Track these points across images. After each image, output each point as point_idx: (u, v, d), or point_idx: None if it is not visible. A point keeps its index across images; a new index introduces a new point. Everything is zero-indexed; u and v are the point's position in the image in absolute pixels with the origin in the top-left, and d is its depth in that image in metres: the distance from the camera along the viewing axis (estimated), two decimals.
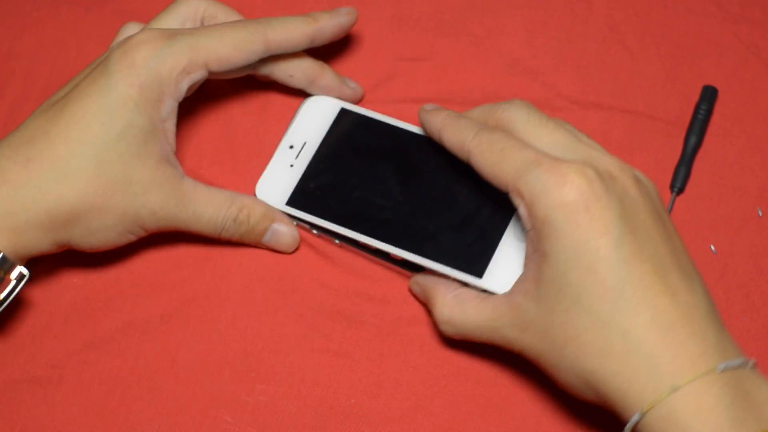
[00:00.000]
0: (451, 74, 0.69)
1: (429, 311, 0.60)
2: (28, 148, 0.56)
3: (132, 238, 0.60)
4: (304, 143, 0.65)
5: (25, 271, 0.56)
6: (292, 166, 0.64)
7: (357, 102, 0.68)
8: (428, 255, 0.60)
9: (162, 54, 0.57)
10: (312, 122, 0.65)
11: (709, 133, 0.67)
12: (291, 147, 0.65)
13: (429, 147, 0.62)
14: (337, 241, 0.63)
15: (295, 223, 0.63)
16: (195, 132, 0.68)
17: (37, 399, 0.60)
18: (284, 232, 0.62)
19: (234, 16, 0.64)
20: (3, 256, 0.55)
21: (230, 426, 0.59)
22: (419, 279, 0.61)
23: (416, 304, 0.62)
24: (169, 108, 0.59)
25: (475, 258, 0.59)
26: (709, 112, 0.67)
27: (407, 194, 0.62)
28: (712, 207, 0.65)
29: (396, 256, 0.61)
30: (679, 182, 0.66)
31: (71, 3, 0.72)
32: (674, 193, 0.65)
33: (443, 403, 0.60)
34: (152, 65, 0.57)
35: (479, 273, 0.58)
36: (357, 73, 0.69)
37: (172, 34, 0.58)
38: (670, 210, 0.65)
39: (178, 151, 0.65)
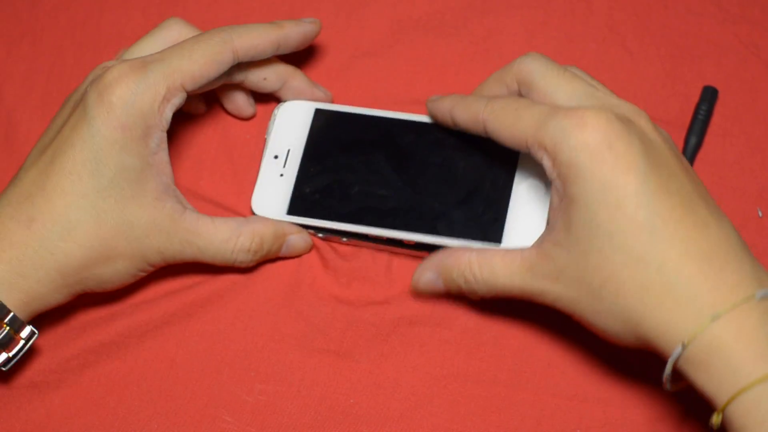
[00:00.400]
0: (451, 74, 0.69)
1: (453, 288, 0.59)
2: (28, 206, 0.56)
3: (144, 274, 0.60)
4: (288, 150, 0.65)
5: (35, 330, 0.57)
6: (282, 175, 0.64)
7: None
8: (442, 233, 0.60)
9: (139, 89, 0.56)
10: (290, 128, 0.65)
11: (709, 133, 0.67)
12: (276, 157, 0.65)
13: (413, 130, 0.63)
14: (344, 239, 0.63)
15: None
16: (193, 144, 0.67)
17: (35, 402, 0.60)
18: (297, 241, 0.62)
19: None
20: (13, 316, 0.55)
21: (229, 425, 0.59)
22: (428, 263, 0.60)
23: (416, 304, 0.62)
24: (157, 140, 0.58)
25: (489, 226, 0.60)
26: (709, 113, 0.67)
27: (406, 179, 0.62)
28: None
29: (409, 241, 0.61)
30: None
31: (69, 10, 0.72)
32: None
33: (442, 404, 0.60)
34: (131, 103, 0.56)
35: (497, 239, 0.59)
36: (357, 73, 0.69)
37: (143, 65, 0.57)
38: None
39: (177, 164, 0.65)
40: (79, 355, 0.61)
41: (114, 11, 0.73)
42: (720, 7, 0.71)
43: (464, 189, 0.61)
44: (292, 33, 0.63)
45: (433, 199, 0.61)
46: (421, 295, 0.62)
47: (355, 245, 0.64)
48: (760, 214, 0.65)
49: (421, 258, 0.61)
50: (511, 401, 0.60)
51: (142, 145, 0.57)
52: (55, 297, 0.57)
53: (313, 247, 0.64)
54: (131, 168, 0.56)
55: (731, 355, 0.47)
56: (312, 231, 0.63)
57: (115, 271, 0.58)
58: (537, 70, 0.56)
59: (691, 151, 0.66)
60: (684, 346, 0.48)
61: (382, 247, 0.63)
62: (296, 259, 0.64)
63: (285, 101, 0.66)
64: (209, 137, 0.68)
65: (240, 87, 0.66)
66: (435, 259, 0.59)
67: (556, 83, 0.56)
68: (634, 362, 0.59)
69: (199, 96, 0.66)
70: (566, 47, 0.70)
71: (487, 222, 0.60)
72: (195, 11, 0.72)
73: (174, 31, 0.63)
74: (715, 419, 0.48)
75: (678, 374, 0.50)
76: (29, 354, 0.61)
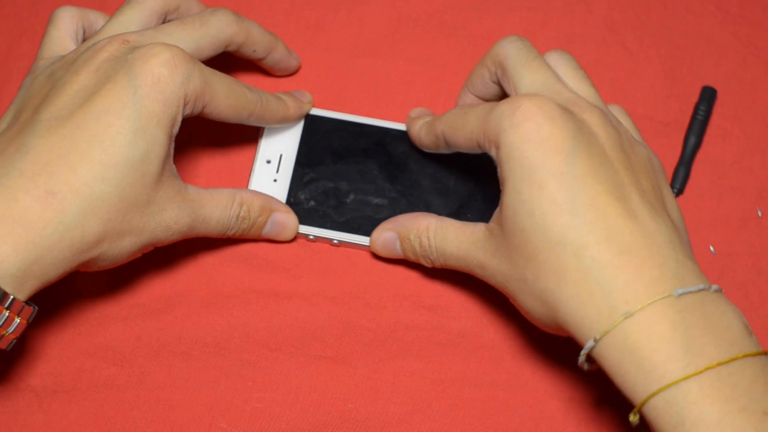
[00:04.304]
0: (450, 75, 0.69)
1: (408, 250, 0.60)
2: (46, 178, 0.52)
3: (138, 255, 0.58)
4: (281, 156, 0.65)
5: (35, 307, 0.53)
6: (275, 180, 0.64)
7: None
8: None
9: (186, 77, 0.55)
10: (282, 133, 0.66)
11: (709, 133, 0.67)
12: (268, 162, 0.65)
13: (405, 140, 0.64)
14: (335, 241, 0.63)
15: None
16: (189, 145, 0.67)
17: (33, 407, 0.60)
18: (283, 221, 0.62)
19: (198, 7, 0.64)
20: (23, 306, 0.52)
21: None
22: (389, 223, 0.61)
23: (412, 308, 0.62)
24: (177, 129, 0.56)
25: None
26: (708, 113, 0.67)
27: (399, 189, 0.64)
28: (711, 207, 0.65)
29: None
30: (679, 183, 0.66)
31: None
32: (674, 194, 0.65)
33: (440, 408, 0.60)
34: (176, 84, 0.55)
35: None
36: (356, 73, 0.69)
37: (194, 60, 0.57)
38: None
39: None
40: (77, 359, 0.61)
41: (114, 9, 0.72)
42: (720, 7, 0.70)
43: (456, 201, 0.63)
44: (294, 116, 0.65)
45: (426, 210, 0.63)
46: (379, 254, 0.62)
47: (345, 247, 0.64)
48: (760, 214, 0.65)
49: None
50: (509, 404, 0.60)
51: (171, 127, 0.55)
52: (60, 272, 0.53)
53: (297, 235, 0.63)
54: (162, 145, 0.54)
55: (643, 356, 0.46)
56: (302, 234, 0.64)
57: (119, 249, 0.55)
58: (510, 56, 0.57)
59: (690, 151, 0.66)
60: (596, 341, 0.48)
61: (368, 250, 0.64)
62: (292, 266, 0.64)
63: None
64: (204, 139, 0.67)
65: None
66: (396, 219, 0.61)
67: (521, 72, 0.56)
68: None
69: None
70: (566, 47, 0.69)
71: None
72: None
73: (216, 18, 0.62)
74: (632, 418, 0.47)
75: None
76: (29, 358, 0.61)
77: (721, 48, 0.69)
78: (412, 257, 0.61)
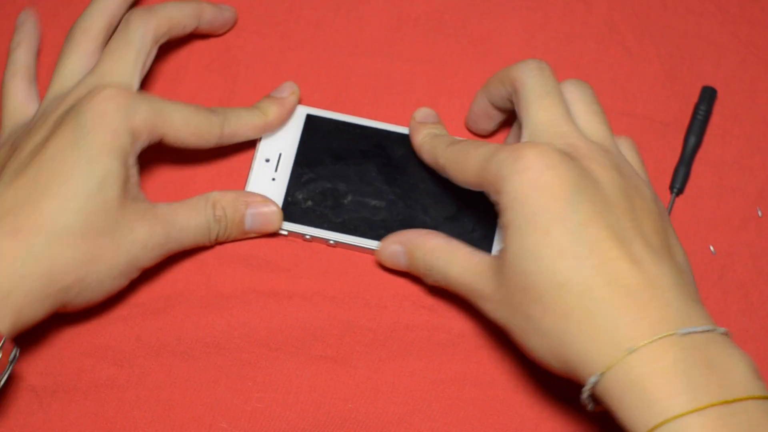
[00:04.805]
0: (450, 75, 0.69)
1: (412, 266, 0.61)
2: (12, 218, 0.55)
3: (124, 282, 0.59)
4: (280, 155, 0.65)
5: (17, 350, 0.55)
6: (274, 179, 0.64)
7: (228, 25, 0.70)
8: None
9: (131, 109, 0.58)
10: (281, 132, 0.66)
11: (709, 133, 0.67)
12: (267, 161, 0.65)
13: (406, 143, 0.64)
14: (331, 242, 0.63)
15: (286, 233, 0.64)
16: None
17: (33, 406, 0.60)
18: (263, 212, 0.63)
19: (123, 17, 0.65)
20: (4, 341, 0.53)
21: None
22: (396, 236, 0.62)
23: (413, 308, 0.62)
24: (133, 158, 0.59)
25: (477, 243, 0.61)
26: (708, 113, 0.67)
27: (398, 192, 0.64)
28: (711, 207, 0.66)
29: None
30: (679, 183, 0.66)
31: (69, 8, 0.72)
32: (674, 194, 0.65)
33: (441, 407, 0.60)
34: (122, 116, 0.57)
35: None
36: (356, 73, 0.69)
37: (139, 94, 0.59)
38: (670, 211, 0.65)
39: (171, 163, 0.66)
40: (77, 359, 0.61)
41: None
42: (720, 7, 0.70)
43: (454, 205, 0.63)
44: (275, 121, 0.65)
45: (424, 213, 0.63)
46: (383, 265, 0.63)
47: (342, 248, 0.64)
48: (760, 214, 0.65)
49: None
50: (509, 404, 0.60)
51: (126, 156, 0.57)
52: (38, 311, 0.55)
53: (281, 225, 0.63)
54: (118, 172, 0.57)
55: (645, 390, 0.46)
56: (299, 234, 0.64)
57: (97, 276, 0.57)
58: (526, 85, 0.57)
59: (690, 151, 0.66)
60: (598, 377, 0.48)
61: (370, 251, 0.63)
62: (291, 266, 0.63)
63: None
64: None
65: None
66: (406, 234, 0.61)
67: (532, 107, 0.56)
68: None
69: None
70: (566, 47, 0.70)
71: (476, 239, 0.62)
72: None
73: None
74: None
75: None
76: (29, 357, 0.61)
77: (721, 48, 0.69)
78: (415, 272, 0.61)
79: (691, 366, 0.46)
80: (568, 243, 0.50)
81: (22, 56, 0.67)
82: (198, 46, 0.70)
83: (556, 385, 0.60)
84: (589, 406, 0.50)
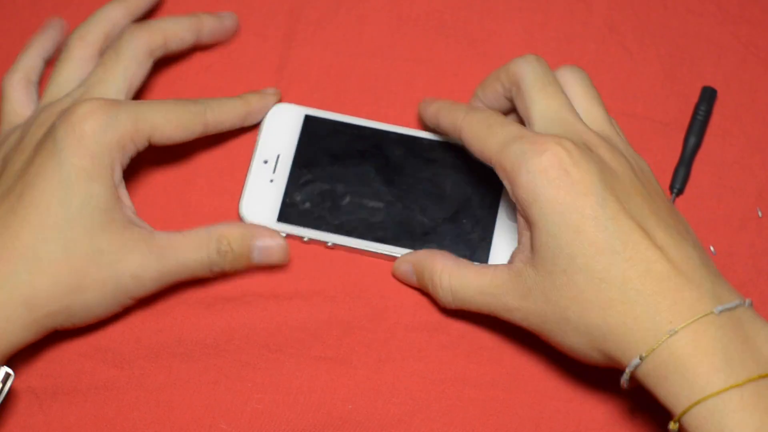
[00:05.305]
0: (450, 75, 0.69)
1: (423, 286, 0.61)
2: None
3: (119, 309, 0.59)
4: (278, 156, 0.65)
5: (10, 371, 0.55)
6: (272, 181, 0.64)
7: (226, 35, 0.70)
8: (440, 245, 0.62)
9: (109, 125, 0.57)
10: (280, 133, 0.66)
11: (709, 133, 0.67)
12: (265, 162, 0.65)
13: (403, 143, 0.64)
14: (329, 244, 0.63)
15: (284, 234, 0.63)
16: (185, 144, 0.67)
17: (33, 408, 0.60)
18: (270, 246, 0.62)
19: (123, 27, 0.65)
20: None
21: None
22: (409, 256, 0.62)
23: (413, 309, 0.62)
24: (119, 175, 0.58)
25: (476, 245, 0.62)
26: (708, 113, 0.67)
27: (396, 193, 0.63)
28: (711, 208, 0.65)
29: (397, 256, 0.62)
30: (679, 183, 0.66)
31: (70, 8, 0.72)
32: (674, 194, 0.65)
33: (441, 408, 0.60)
34: (101, 134, 0.57)
35: (484, 258, 0.62)
36: (355, 73, 0.69)
37: (116, 104, 0.58)
38: None
39: (168, 164, 0.66)
40: (77, 360, 0.61)
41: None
42: (720, 7, 0.70)
43: (452, 206, 0.63)
44: (257, 109, 0.66)
45: (422, 215, 0.63)
46: (399, 280, 0.63)
47: (339, 250, 0.64)
48: (760, 214, 0.65)
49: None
50: (509, 404, 0.60)
51: (109, 176, 0.57)
52: (23, 335, 0.56)
53: (289, 257, 0.63)
54: (99, 196, 0.56)
55: (687, 369, 0.48)
56: (297, 236, 0.63)
57: (85, 305, 0.57)
58: (526, 78, 0.58)
59: (690, 151, 0.66)
60: (642, 359, 0.50)
61: (368, 253, 0.63)
62: (291, 267, 0.63)
63: (277, 104, 0.67)
64: (204, 139, 0.67)
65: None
66: (415, 255, 0.61)
67: (535, 98, 0.57)
68: None
69: None
70: (566, 48, 0.69)
71: (474, 240, 0.62)
72: (196, 10, 0.72)
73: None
74: (672, 426, 0.49)
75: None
76: (29, 359, 0.61)
77: (721, 48, 0.69)
78: (427, 291, 0.61)
79: (728, 343, 0.49)
80: (602, 239, 0.51)
81: (27, 58, 0.67)
82: (198, 47, 0.70)
83: (556, 386, 0.60)
84: (626, 386, 0.52)
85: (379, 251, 0.63)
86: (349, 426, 0.60)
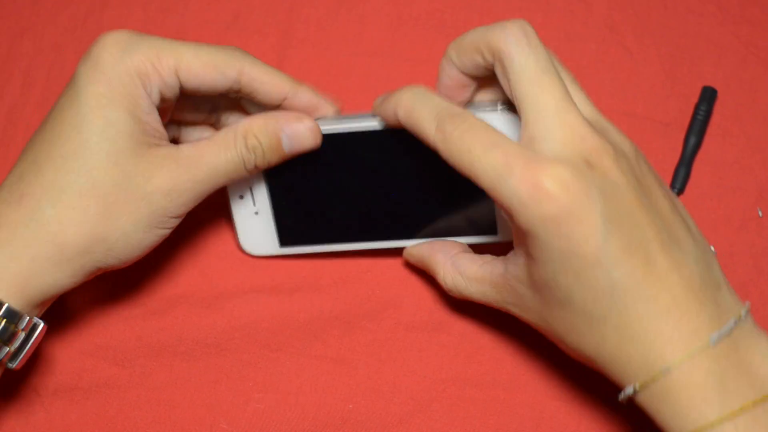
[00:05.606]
0: None
1: (429, 272, 0.61)
2: (18, 185, 0.53)
3: (163, 232, 0.56)
4: (250, 187, 0.62)
5: (38, 321, 0.53)
6: (257, 213, 0.62)
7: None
8: (440, 235, 0.61)
9: (127, 52, 0.54)
10: None
11: (709, 133, 0.67)
12: (241, 197, 0.62)
13: (375, 140, 0.59)
14: (335, 252, 0.63)
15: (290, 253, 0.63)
16: None
17: (35, 406, 0.60)
18: (298, 131, 0.57)
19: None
20: (7, 308, 0.52)
21: None
22: (413, 251, 0.61)
23: (413, 309, 0.63)
24: (146, 103, 0.55)
25: (482, 219, 0.60)
26: (708, 113, 0.67)
27: (390, 190, 0.60)
28: (711, 207, 0.66)
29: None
30: (679, 183, 0.66)
31: (70, 6, 0.72)
32: (674, 194, 0.65)
33: (441, 408, 0.60)
34: (119, 61, 0.54)
35: (493, 231, 0.60)
36: (355, 73, 0.69)
37: (140, 35, 0.55)
38: None
39: None
40: (78, 359, 0.61)
41: (115, 8, 0.73)
42: (720, 7, 0.70)
43: (445, 190, 0.59)
44: (304, 95, 0.59)
45: (424, 203, 0.60)
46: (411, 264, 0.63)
47: (343, 257, 0.64)
48: (760, 214, 0.65)
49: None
50: (509, 404, 0.60)
51: (131, 103, 0.54)
52: (58, 277, 0.53)
53: (321, 138, 0.58)
54: (119, 122, 0.54)
55: (681, 402, 0.48)
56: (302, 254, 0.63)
57: (120, 233, 0.54)
58: (515, 61, 0.51)
59: (690, 151, 0.66)
60: (635, 390, 0.49)
61: (379, 251, 0.63)
62: (292, 266, 0.64)
63: None
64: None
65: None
66: (419, 250, 0.61)
67: (527, 91, 0.50)
68: None
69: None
70: (566, 47, 0.70)
71: (479, 216, 0.60)
72: (195, 9, 0.72)
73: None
74: None
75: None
76: (31, 357, 0.60)
77: (721, 48, 0.69)
78: (437, 279, 0.60)
79: (723, 373, 0.48)
80: (603, 285, 0.49)
81: None
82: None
83: (557, 386, 0.60)
84: (624, 402, 0.52)
85: (389, 246, 0.62)
86: (349, 426, 0.60)
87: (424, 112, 0.53)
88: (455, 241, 0.60)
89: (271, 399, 0.60)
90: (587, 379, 0.60)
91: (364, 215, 0.61)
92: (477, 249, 0.60)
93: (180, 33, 0.71)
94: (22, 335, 0.53)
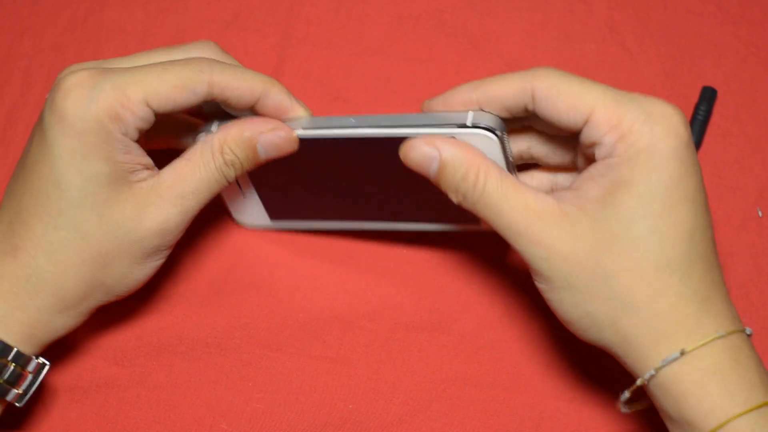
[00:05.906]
0: (450, 74, 0.69)
1: (444, 180, 0.53)
2: (10, 234, 0.54)
3: (159, 262, 0.57)
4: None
5: (45, 362, 0.55)
6: (244, 196, 0.62)
7: None
8: (423, 221, 0.60)
9: (93, 96, 0.52)
10: None
11: (709, 133, 0.67)
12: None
13: (352, 145, 0.57)
14: (325, 229, 0.63)
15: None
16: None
17: (36, 406, 0.60)
18: (273, 141, 0.56)
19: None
20: (17, 352, 0.53)
21: None
22: (443, 144, 0.53)
23: (413, 309, 0.62)
24: (124, 143, 0.53)
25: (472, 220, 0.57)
26: (708, 113, 0.67)
27: (369, 181, 0.59)
28: (711, 207, 0.65)
29: (392, 230, 0.61)
30: None
31: (70, 6, 0.72)
32: None
33: (441, 408, 0.60)
34: (85, 110, 0.52)
35: (476, 219, 0.56)
36: (355, 73, 0.69)
37: (102, 73, 0.53)
38: None
39: None
40: (78, 359, 0.61)
41: (115, 7, 0.73)
42: (720, 7, 0.70)
43: (425, 181, 0.55)
44: (277, 94, 0.57)
45: (400, 193, 0.58)
46: (406, 164, 0.54)
47: (326, 233, 0.64)
48: (760, 214, 0.65)
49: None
50: (510, 404, 0.60)
51: (106, 149, 0.53)
52: (63, 321, 0.55)
53: (297, 145, 0.57)
54: (99, 174, 0.53)
55: (687, 397, 0.49)
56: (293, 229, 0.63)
57: (120, 276, 0.56)
58: (558, 81, 0.51)
59: None
60: (656, 370, 0.49)
61: (370, 230, 0.62)
62: (292, 266, 0.63)
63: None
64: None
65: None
66: (453, 144, 0.53)
67: (583, 87, 0.51)
68: None
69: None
70: (566, 47, 0.70)
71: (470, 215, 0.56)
72: (195, 9, 0.72)
73: (199, 51, 0.58)
74: None
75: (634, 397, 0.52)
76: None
77: (721, 48, 0.69)
78: (443, 186, 0.54)
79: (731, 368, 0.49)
80: (690, 224, 0.49)
81: None
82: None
83: (557, 386, 0.60)
84: (623, 409, 0.53)
85: (375, 228, 0.61)
86: (349, 426, 0.60)
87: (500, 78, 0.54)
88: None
89: (271, 399, 0.60)
90: (587, 380, 0.60)
91: (348, 199, 0.60)
92: (460, 238, 0.62)
93: (180, 33, 0.71)
94: (29, 377, 0.55)
